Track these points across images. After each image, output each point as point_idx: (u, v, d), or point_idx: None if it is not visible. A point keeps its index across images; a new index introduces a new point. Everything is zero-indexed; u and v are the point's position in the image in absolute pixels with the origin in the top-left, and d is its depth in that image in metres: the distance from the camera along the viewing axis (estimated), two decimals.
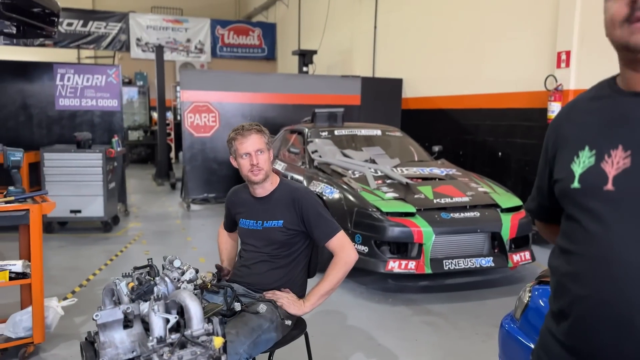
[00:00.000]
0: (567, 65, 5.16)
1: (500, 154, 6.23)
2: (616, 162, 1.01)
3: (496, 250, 3.88)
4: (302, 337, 2.11)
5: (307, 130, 5.47)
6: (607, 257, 0.99)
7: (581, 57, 5.08)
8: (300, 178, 4.79)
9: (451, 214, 3.84)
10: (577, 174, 1.06)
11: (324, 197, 4.19)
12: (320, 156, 4.95)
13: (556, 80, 5.23)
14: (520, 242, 3.97)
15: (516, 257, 3.86)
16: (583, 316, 1.01)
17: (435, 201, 3.94)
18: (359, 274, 4.02)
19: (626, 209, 0.98)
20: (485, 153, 6.48)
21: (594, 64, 4.90)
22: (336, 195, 4.15)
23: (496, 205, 3.99)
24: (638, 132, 1.00)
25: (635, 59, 1.00)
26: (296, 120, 6.61)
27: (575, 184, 1.06)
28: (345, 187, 4.17)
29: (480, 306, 3.66)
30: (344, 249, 2.04)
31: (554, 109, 5.17)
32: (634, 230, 0.97)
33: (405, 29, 8.23)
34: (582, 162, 1.06)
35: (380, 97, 8.09)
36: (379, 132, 5.53)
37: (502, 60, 6.18)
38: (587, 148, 1.07)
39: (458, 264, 3.75)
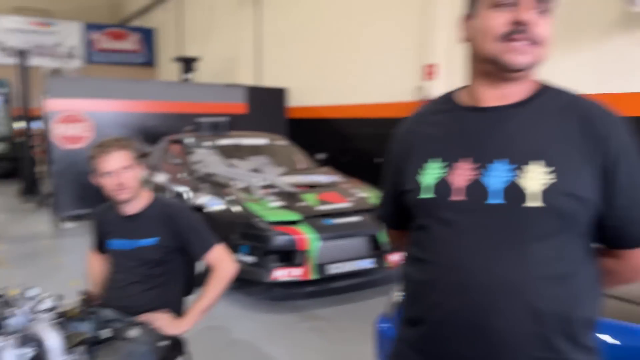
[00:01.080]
0: (434, 77, 5.60)
1: (375, 160, 6.58)
2: (462, 174, 1.06)
3: (376, 252, 4.08)
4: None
5: (189, 139, 5.33)
6: (458, 264, 1.04)
7: (447, 69, 5.54)
8: (183, 189, 4.66)
9: (334, 220, 3.97)
10: (427, 184, 1.10)
11: (208, 209, 4.12)
12: (203, 167, 4.85)
13: (423, 91, 5.66)
14: None
15: (393, 258, 4.09)
16: (438, 322, 1.06)
17: (319, 208, 4.05)
18: (246, 285, 4.00)
19: (474, 218, 1.04)
20: (363, 160, 6.80)
21: (458, 75, 5.36)
22: (221, 206, 4.09)
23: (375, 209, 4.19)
24: (484, 145, 1.07)
25: (495, 73, 1.07)
26: (178, 129, 6.41)
27: (426, 195, 1.10)
28: (229, 197, 4.13)
29: (363, 306, 3.82)
30: (223, 262, 2.02)
31: None
32: (481, 239, 1.02)
33: (290, 38, 8.37)
34: (432, 173, 1.10)
35: (266, 106, 8.13)
36: (264, 141, 5.55)
37: (378, 71, 6.53)
38: (434, 160, 1.11)
39: (342, 267, 3.89)
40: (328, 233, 3.84)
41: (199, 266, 2.19)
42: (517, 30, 1.01)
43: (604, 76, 4.12)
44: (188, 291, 2.19)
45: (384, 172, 1.31)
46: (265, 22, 9.01)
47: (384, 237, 4.41)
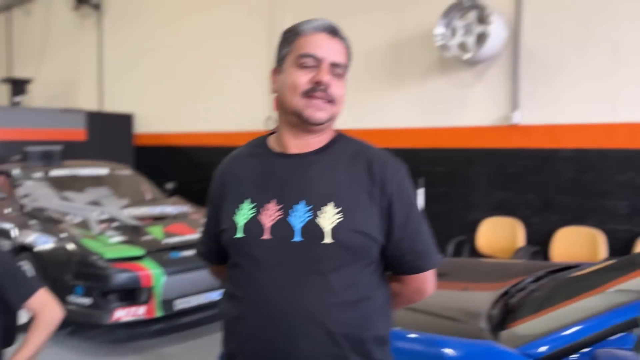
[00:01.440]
0: None
1: None
2: (271, 215, 1.17)
3: None
4: None
5: (16, 171, 4.81)
6: (266, 299, 1.13)
7: None
8: (9, 226, 4.17)
9: (181, 253, 3.87)
10: (240, 224, 1.18)
11: (37, 248, 3.74)
12: (33, 201, 4.40)
13: (274, 121, 5.84)
14: None
15: None
16: (248, 356, 1.14)
17: (165, 241, 3.92)
18: (84, 329, 3.69)
19: (280, 256, 1.14)
20: None
21: None
22: (51, 244, 3.74)
23: None
24: (288, 188, 1.19)
25: (299, 125, 1.19)
26: (4, 159, 5.74)
27: (239, 234, 1.17)
28: (62, 234, 3.80)
29: (213, 340, 3.75)
30: (46, 308, 1.86)
31: None
32: (286, 274, 1.13)
33: (138, 62, 8.03)
34: (244, 214, 1.19)
35: (110, 132, 7.66)
36: (105, 171, 5.22)
37: (231, 100, 6.57)
38: (247, 201, 1.21)
39: (190, 301, 3.79)
40: (175, 267, 3.73)
41: (23, 315, 1.99)
42: (317, 89, 1.15)
43: (427, 112, 4.66)
44: (8, 342, 1.97)
45: (207, 210, 1.36)
46: (109, 44, 8.55)
47: None
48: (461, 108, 4.45)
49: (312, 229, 1.14)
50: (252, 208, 1.19)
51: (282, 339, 1.12)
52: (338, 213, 1.14)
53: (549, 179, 4.01)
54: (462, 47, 4.19)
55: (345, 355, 1.13)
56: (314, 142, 1.22)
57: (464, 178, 4.45)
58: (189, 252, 3.89)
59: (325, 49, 1.18)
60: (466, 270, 2.60)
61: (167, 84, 7.48)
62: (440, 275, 2.42)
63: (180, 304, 3.72)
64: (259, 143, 1.31)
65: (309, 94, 1.16)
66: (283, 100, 1.21)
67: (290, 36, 1.23)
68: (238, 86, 6.43)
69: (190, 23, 7.00)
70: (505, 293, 2.10)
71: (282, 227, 1.16)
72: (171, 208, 4.69)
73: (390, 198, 1.18)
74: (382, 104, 4.93)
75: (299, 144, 1.22)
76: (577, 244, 3.79)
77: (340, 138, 1.27)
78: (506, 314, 1.91)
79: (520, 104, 4.08)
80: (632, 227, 3.65)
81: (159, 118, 7.69)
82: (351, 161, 1.22)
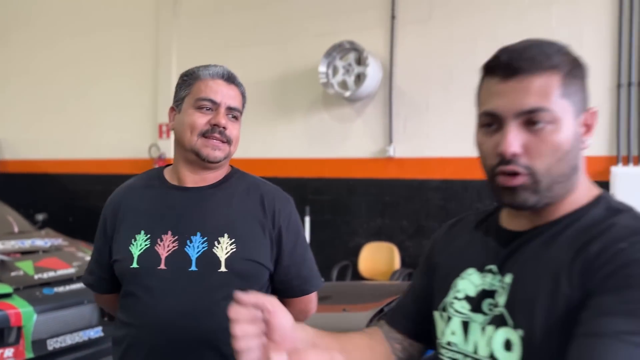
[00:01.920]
0: (168, 135, 5.74)
1: None
2: (167, 245, 1.23)
3: (105, 319, 3.86)
4: None
5: None
6: (162, 326, 1.19)
7: None
8: None
9: (55, 289, 3.63)
10: (135, 255, 1.23)
11: None
12: None
13: (159, 149, 5.74)
14: None
15: None
16: None
17: (36, 277, 3.65)
18: None
19: (176, 284, 1.21)
20: (96, 219, 6.37)
21: None
22: None
23: None
24: (182, 220, 1.26)
25: (196, 162, 1.27)
26: None
27: (135, 265, 1.23)
28: None
29: None
30: None
31: None
32: (182, 301, 1.20)
33: (2, 85, 7.41)
34: (139, 244, 1.24)
35: None
36: None
37: (111, 127, 6.31)
38: (142, 232, 1.25)
39: (65, 340, 3.55)
40: (47, 304, 3.49)
41: None
42: (214, 130, 1.26)
43: (312, 144, 4.90)
44: None
45: (95, 240, 1.38)
46: None
47: None
48: (343, 141, 4.76)
49: (208, 259, 1.22)
50: (147, 239, 1.24)
51: None
52: (232, 244, 1.24)
53: (420, 206, 4.42)
54: (343, 85, 4.52)
55: None
56: (210, 177, 1.32)
57: (346, 206, 4.73)
58: (64, 288, 3.66)
59: (222, 94, 1.28)
60: (347, 293, 2.80)
61: (39, 108, 6.99)
62: (323, 299, 2.58)
63: (54, 344, 3.48)
64: (155, 175, 1.37)
65: (206, 134, 1.26)
66: (181, 138, 1.29)
67: (189, 79, 1.31)
68: (120, 113, 6.22)
69: (69, 46, 6.67)
70: (381, 311, 2.31)
71: (178, 257, 1.23)
72: (42, 241, 4.37)
73: (279, 229, 1.30)
74: (270, 135, 5.10)
75: (196, 179, 1.31)
76: None
77: (235, 173, 1.37)
78: None
79: (394, 138, 4.48)
80: None
81: (29, 144, 7.12)
82: (245, 195, 1.32)
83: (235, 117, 1.31)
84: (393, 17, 4.47)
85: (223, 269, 1.22)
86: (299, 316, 1.41)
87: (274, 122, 5.11)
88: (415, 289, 1.03)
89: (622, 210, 0.80)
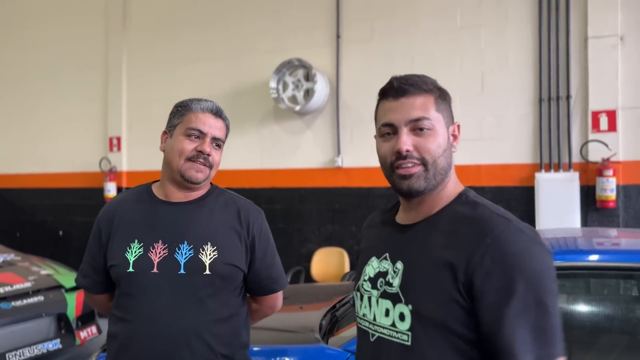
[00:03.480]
0: (119, 149, 5.79)
1: (61, 233, 6.21)
2: (158, 252, 1.45)
3: (63, 331, 3.91)
4: None
5: None
6: (156, 320, 1.41)
7: (130, 142, 5.80)
8: None
9: (12, 303, 3.65)
10: (131, 261, 1.46)
11: None
12: None
13: (110, 162, 5.77)
14: (87, 318, 4.14)
15: (83, 334, 3.99)
16: None
17: None
18: None
19: (167, 285, 1.44)
20: (46, 233, 6.32)
21: (141, 148, 5.71)
22: None
23: (60, 286, 4.04)
24: (171, 230, 1.48)
25: (181, 182, 1.49)
26: None
27: (130, 269, 1.45)
28: None
29: None
30: None
31: (110, 188, 5.66)
32: (173, 299, 1.43)
33: None
34: (134, 252, 1.46)
35: None
36: None
37: (59, 141, 6.25)
38: (136, 241, 1.48)
39: (24, 354, 3.58)
40: (5, 318, 3.51)
41: None
42: (199, 156, 1.49)
43: (264, 155, 5.11)
44: None
45: (89, 247, 1.57)
46: None
47: (72, 313, 4.29)
48: (294, 152, 5.00)
49: (194, 263, 1.45)
50: (140, 247, 1.45)
51: (170, 351, 1.39)
52: (214, 250, 1.47)
53: (368, 212, 4.69)
54: (293, 99, 4.77)
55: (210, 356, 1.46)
56: (193, 194, 1.55)
57: (298, 214, 4.97)
58: (21, 302, 3.68)
59: (209, 125, 1.51)
60: (302, 294, 3.04)
61: None
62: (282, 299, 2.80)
63: (13, 358, 3.50)
64: (144, 190, 1.58)
65: (192, 159, 1.48)
66: (170, 160, 1.51)
67: (182, 110, 1.55)
68: (69, 126, 6.18)
69: (16, 59, 6.57)
70: (334, 307, 2.56)
71: (169, 262, 1.44)
72: None
73: (253, 238, 1.55)
74: (224, 147, 5.26)
75: (180, 195, 1.53)
76: None
77: (215, 190, 1.60)
78: (334, 324, 2.36)
79: (341, 149, 4.77)
80: None
81: None
82: (224, 209, 1.55)
83: (219, 146, 1.54)
84: (338, 36, 4.77)
85: (207, 272, 1.45)
86: (268, 311, 1.68)
87: (230, 137, 5.26)
88: (354, 274, 1.32)
89: (478, 203, 1.06)
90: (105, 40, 5.96)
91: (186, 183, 1.51)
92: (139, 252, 1.45)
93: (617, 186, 3.83)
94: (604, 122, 3.92)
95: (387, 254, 1.11)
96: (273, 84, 4.76)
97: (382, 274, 1.10)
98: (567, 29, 4.05)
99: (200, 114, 1.52)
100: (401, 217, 1.15)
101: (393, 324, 1.04)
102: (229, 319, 1.49)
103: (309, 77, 4.73)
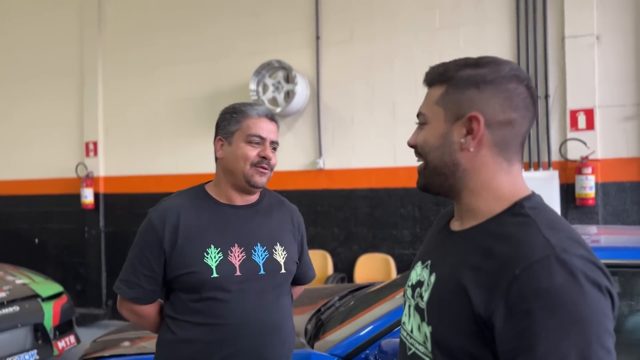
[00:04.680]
0: (96, 154, 5.67)
1: (37, 240, 6.05)
2: (237, 256, 1.51)
3: (40, 341, 3.79)
4: None
5: None
6: (245, 322, 1.49)
7: (107, 146, 5.69)
8: None
9: None
10: (213, 266, 1.49)
11: None
12: None
13: (86, 168, 5.65)
14: (65, 327, 4.03)
15: (61, 344, 3.88)
16: None
17: None
18: None
19: (249, 287, 1.51)
20: (21, 241, 6.15)
21: (119, 153, 5.60)
22: None
23: (37, 295, 3.93)
24: (243, 233, 1.54)
25: (244, 186, 1.55)
26: None
27: (215, 274, 1.48)
28: None
29: None
30: None
31: (87, 194, 5.54)
32: (256, 299, 1.51)
33: None
34: (213, 257, 1.50)
35: None
36: None
37: (34, 147, 6.11)
38: (212, 246, 1.51)
39: None
40: None
41: None
42: (263, 162, 1.54)
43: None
44: None
45: (137, 256, 1.53)
46: None
47: (49, 323, 4.16)
48: (276, 154, 4.95)
49: (271, 264, 1.55)
50: (219, 252, 1.50)
51: (262, 349, 1.50)
52: (284, 250, 1.60)
53: (350, 214, 4.70)
54: (274, 101, 4.73)
55: (292, 351, 1.63)
56: (252, 197, 1.63)
57: None
58: None
59: (267, 130, 1.56)
60: None
61: None
62: None
63: None
64: (201, 194, 1.60)
65: (256, 165, 1.53)
66: (234, 166, 1.55)
67: (238, 117, 1.57)
68: (45, 131, 6.04)
69: None
70: (318, 311, 2.52)
71: (249, 264, 1.52)
72: None
73: (302, 235, 1.73)
74: (204, 150, 5.19)
75: (244, 199, 1.60)
76: (374, 268, 4.50)
77: (265, 192, 1.68)
78: (320, 327, 2.32)
79: (323, 151, 4.74)
80: (414, 251, 4.49)
81: None
82: (278, 210, 1.66)
83: (275, 149, 1.60)
84: (318, 38, 4.75)
85: (283, 270, 1.58)
86: (299, 294, 1.91)
87: (206, 139, 5.17)
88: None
89: (529, 218, 0.85)
90: (80, 44, 5.84)
91: (251, 188, 1.56)
92: (219, 257, 1.50)
93: (596, 184, 3.88)
94: (582, 120, 3.97)
95: (429, 262, 0.99)
96: (253, 86, 4.72)
97: (420, 284, 0.98)
98: (544, 28, 4.10)
99: (258, 120, 1.56)
100: (453, 222, 1.01)
101: (423, 342, 0.93)
102: (291, 313, 1.66)
103: (289, 78, 4.69)
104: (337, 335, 2.11)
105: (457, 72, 0.92)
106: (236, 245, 1.52)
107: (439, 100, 0.94)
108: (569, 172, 3.99)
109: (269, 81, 4.75)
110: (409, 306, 1.00)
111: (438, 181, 0.95)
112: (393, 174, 4.56)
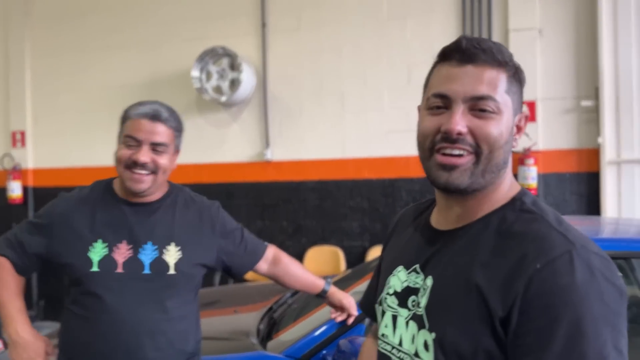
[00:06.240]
0: (23, 144, 5.26)
1: None
2: (122, 252, 1.47)
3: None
4: None
5: None
6: (119, 320, 1.44)
7: (36, 136, 5.29)
8: None
9: None
10: (94, 260, 1.46)
11: None
12: None
13: (13, 159, 5.23)
14: None
15: None
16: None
17: None
18: None
19: (132, 286, 1.47)
20: None
21: (49, 143, 5.22)
22: None
23: None
24: (135, 231, 1.50)
25: (129, 192, 1.52)
26: None
27: (95, 268, 1.46)
28: None
29: None
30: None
31: (14, 187, 5.13)
32: (136, 299, 1.46)
33: None
34: (97, 251, 1.47)
35: None
36: None
37: None
38: (100, 241, 1.49)
39: None
40: None
41: None
42: (134, 165, 1.48)
43: (188, 149, 4.82)
44: None
45: (26, 229, 1.58)
46: None
47: None
48: (220, 146, 4.78)
49: (159, 264, 1.49)
50: (105, 247, 1.48)
51: (133, 349, 1.44)
52: (179, 251, 1.52)
53: (298, 207, 4.61)
54: (218, 90, 4.54)
55: (179, 356, 1.53)
56: (153, 196, 1.56)
57: (226, 210, 4.74)
58: None
59: (145, 132, 1.48)
60: (234, 295, 2.86)
61: None
62: (212, 304, 2.62)
63: None
64: (105, 188, 1.58)
65: (129, 168, 1.48)
66: (116, 168, 1.52)
67: (124, 117, 1.53)
68: None
69: None
70: (270, 309, 2.41)
71: (133, 262, 1.48)
72: None
73: (225, 231, 1.65)
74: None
75: (139, 196, 1.54)
76: (323, 261, 4.44)
77: (174, 189, 1.62)
78: (272, 326, 2.21)
79: (270, 142, 4.61)
80: (363, 243, 4.46)
81: None
82: (185, 209, 1.59)
83: (162, 151, 1.51)
84: (264, 25, 4.60)
85: (172, 271, 1.50)
86: (277, 266, 1.87)
87: None
88: (371, 281, 1.16)
89: (535, 214, 0.83)
90: (4, 26, 5.38)
91: (132, 192, 1.52)
92: (104, 252, 1.47)
93: (538, 175, 3.99)
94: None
95: (417, 266, 0.90)
96: (195, 73, 4.50)
97: (413, 291, 0.89)
98: (489, 21, 4.15)
99: (136, 121, 1.50)
100: (437, 219, 0.94)
101: (416, 354, 0.85)
102: (187, 315, 1.56)
103: (234, 66, 4.51)
104: (291, 335, 2.02)
105: (512, 59, 0.86)
106: (125, 242, 1.50)
107: (508, 89, 0.85)
108: (513, 163, 4.08)
109: (212, 69, 4.54)
110: (393, 316, 0.92)
111: (488, 180, 0.85)
112: (342, 165, 4.50)
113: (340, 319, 1.86)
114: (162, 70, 4.88)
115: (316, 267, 4.43)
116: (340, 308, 1.86)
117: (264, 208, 4.68)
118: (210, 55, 4.51)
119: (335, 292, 1.85)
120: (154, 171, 1.50)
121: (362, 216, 4.47)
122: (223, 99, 4.47)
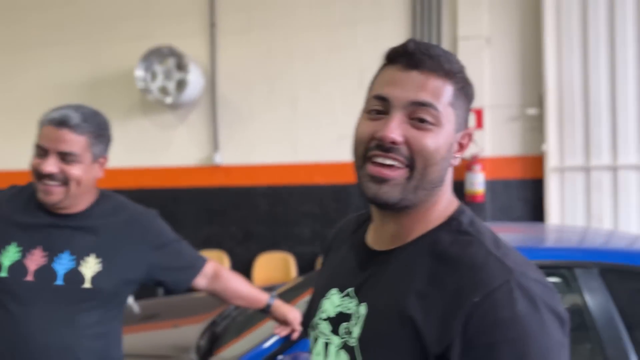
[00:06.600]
0: None
1: None
2: (36, 260, 1.37)
3: None
4: None
5: None
6: (26, 335, 1.32)
7: None
8: None
9: None
10: (5, 265, 1.36)
11: None
12: None
13: None
14: None
15: None
16: None
17: None
18: None
19: (41, 296, 1.35)
20: None
21: None
22: None
23: None
24: (53, 238, 1.40)
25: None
26: None
27: (3, 274, 1.35)
28: None
29: None
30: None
31: None
32: (44, 311, 1.34)
33: None
34: (10, 255, 1.36)
35: None
36: None
37: None
38: (14, 244, 1.38)
39: None
40: None
41: None
42: (42, 177, 1.36)
43: (131, 152, 4.62)
44: None
45: None
46: None
47: None
48: (166, 149, 4.60)
49: (74, 275, 1.37)
50: (19, 252, 1.37)
51: None
52: (99, 263, 1.40)
53: (248, 212, 4.49)
54: (163, 91, 4.36)
55: None
56: (78, 206, 1.43)
57: (171, 216, 4.51)
58: None
59: (50, 140, 1.37)
60: (175, 307, 2.71)
61: None
62: (150, 317, 2.48)
63: None
64: (30, 192, 1.44)
65: (40, 179, 1.37)
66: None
67: (39, 124, 1.42)
68: None
69: None
70: (213, 322, 2.30)
71: (45, 271, 1.36)
72: None
73: (159, 243, 1.51)
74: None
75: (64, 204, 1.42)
76: (273, 267, 4.34)
77: (102, 197, 1.50)
78: (213, 342, 2.10)
79: (220, 146, 4.47)
80: (314, 249, 4.39)
81: None
82: (112, 217, 1.47)
83: (72, 160, 1.37)
84: (213, 25, 4.46)
85: (88, 285, 1.38)
86: (217, 281, 1.62)
87: None
88: (312, 298, 1.03)
89: (472, 237, 0.78)
90: None
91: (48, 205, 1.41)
92: (17, 257, 1.38)
93: (485, 181, 4.04)
94: (472, 119, 4.13)
95: (351, 290, 0.84)
96: (140, 73, 4.30)
97: (345, 317, 0.82)
98: (439, 28, 4.19)
99: (45, 128, 1.40)
100: (372, 237, 0.87)
101: None
102: (105, 333, 1.44)
103: (181, 67, 4.35)
104: (232, 351, 1.92)
105: (462, 71, 0.81)
106: (40, 248, 1.39)
107: (453, 101, 0.79)
108: (459, 170, 4.13)
109: (158, 69, 4.36)
110: (325, 343, 0.85)
111: (420, 197, 0.79)
112: (293, 170, 4.42)
113: (284, 333, 1.76)
114: (104, 69, 4.65)
115: (266, 273, 4.33)
116: (284, 322, 1.76)
117: (212, 214, 4.54)
118: (156, 54, 4.33)
119: (280, 306, 1.75)
120: (65, 182, 1.38)
121: (314, 222, 4.41)
122: (169, 100, 4.30)
